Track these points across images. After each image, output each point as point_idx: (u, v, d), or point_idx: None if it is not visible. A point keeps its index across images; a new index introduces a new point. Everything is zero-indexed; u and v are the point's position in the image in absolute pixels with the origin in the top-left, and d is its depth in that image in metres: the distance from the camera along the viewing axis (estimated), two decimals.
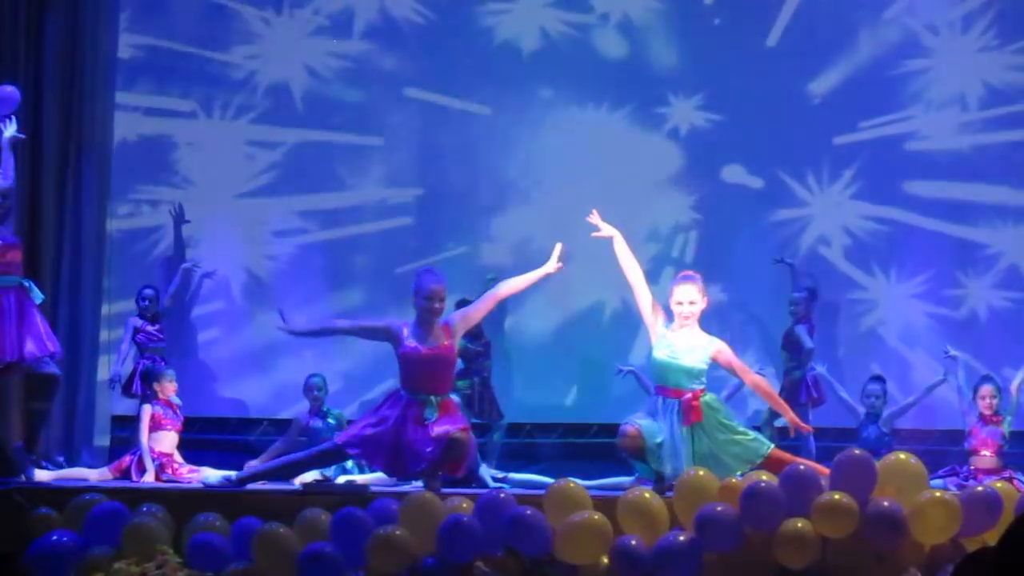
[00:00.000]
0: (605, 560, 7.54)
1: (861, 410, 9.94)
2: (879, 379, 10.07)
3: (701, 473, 8.00)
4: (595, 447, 11.20)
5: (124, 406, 10.78)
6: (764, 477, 7.63)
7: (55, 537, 7.77)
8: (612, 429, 11.03)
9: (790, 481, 7.55)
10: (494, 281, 9.55)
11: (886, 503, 7.38)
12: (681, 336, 8.62)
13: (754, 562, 7.45)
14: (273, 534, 7.62)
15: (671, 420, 8.50)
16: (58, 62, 10.50)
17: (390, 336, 8.86)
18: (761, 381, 8.93)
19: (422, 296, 8.82)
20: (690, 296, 8.62)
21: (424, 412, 8.69)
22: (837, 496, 7.37)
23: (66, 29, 10.54)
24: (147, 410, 9.83)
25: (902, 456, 7.92)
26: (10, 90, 9.68)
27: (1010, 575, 3.15)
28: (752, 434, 8.62)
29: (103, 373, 10.58)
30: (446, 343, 8.83)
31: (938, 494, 7.53)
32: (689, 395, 8.51)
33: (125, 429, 10.84)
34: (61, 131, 10.54)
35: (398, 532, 7.55)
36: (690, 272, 8.93)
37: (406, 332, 8.81)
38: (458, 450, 8.56)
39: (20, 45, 10.37)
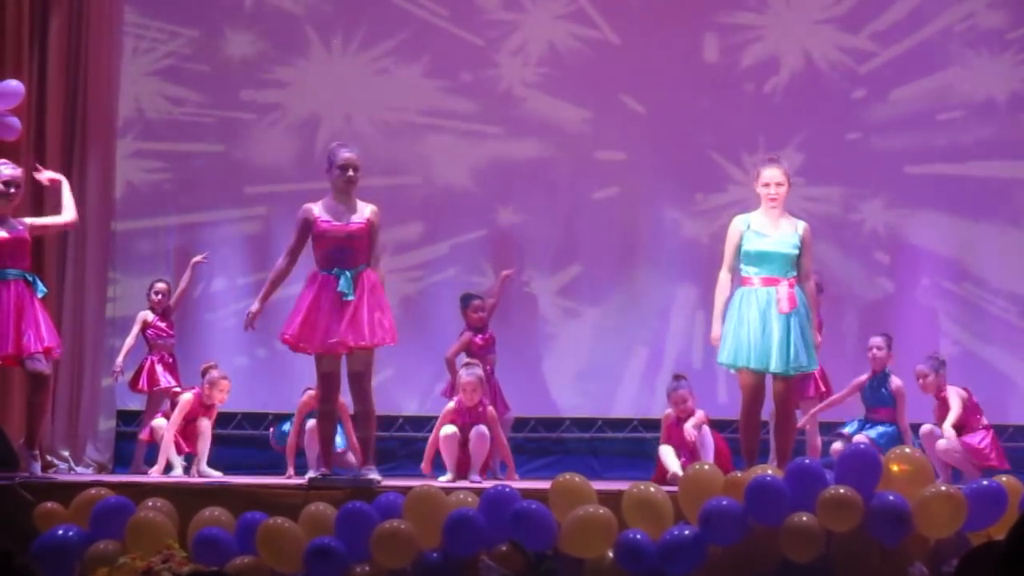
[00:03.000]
0: (610, 554, 7.54)
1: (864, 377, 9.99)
2: (883, 335, 10.08)
3: (706, 467, 8.01)
4: (599, 441, 11.24)
5: (130, 401, 10.80)
6: (769, 471, 7.64)
7: (61, 531, 7.78)
8: (616, 424, 11.15)
9: (795, 475, 7.55)
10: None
11: (891, 497, 7.38)
12: (771, 222, 8.53)
13: (759, 556, 7.45)
14: (278, 528, 7.63)
15: (762, 311, 8.39)
16: (63, 57, 10.51)
17: (308, 225, 8.61)
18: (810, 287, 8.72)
19: (336, 166, 8.64)
20: (776, 178, 8.53)
21: (339, 286, 8.53)
22: (842, 490, 7.37)
23: (70, 23, 10.55)
24: (186, 398, 9.83)
25: (907, 450, 7.94)
26: (14, 85, 9.70)
27: (1019, 570, 3.14)
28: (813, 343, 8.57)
29: (108, 367, 10.58)
30: (363, 223, 8.63)
31: (943, 488, 7.52)
32: (786, 282, 8.48)
33: (130, 424, 10.86)
34: (66, 125, 10.55)
35: (403, 526, 7.56)
36: (774, 155, 8.86)
37: (316, 211, 8.61)
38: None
39: (24, 39, 10.38)
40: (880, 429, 9.70)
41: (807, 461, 7.97)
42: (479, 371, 9.62)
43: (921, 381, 9.67)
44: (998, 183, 11.22)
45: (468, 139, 11.43)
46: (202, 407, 9.82)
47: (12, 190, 9.09)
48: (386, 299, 8.70)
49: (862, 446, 7.89)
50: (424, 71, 11.41)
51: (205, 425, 9.75)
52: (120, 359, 10.28)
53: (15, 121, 9.68)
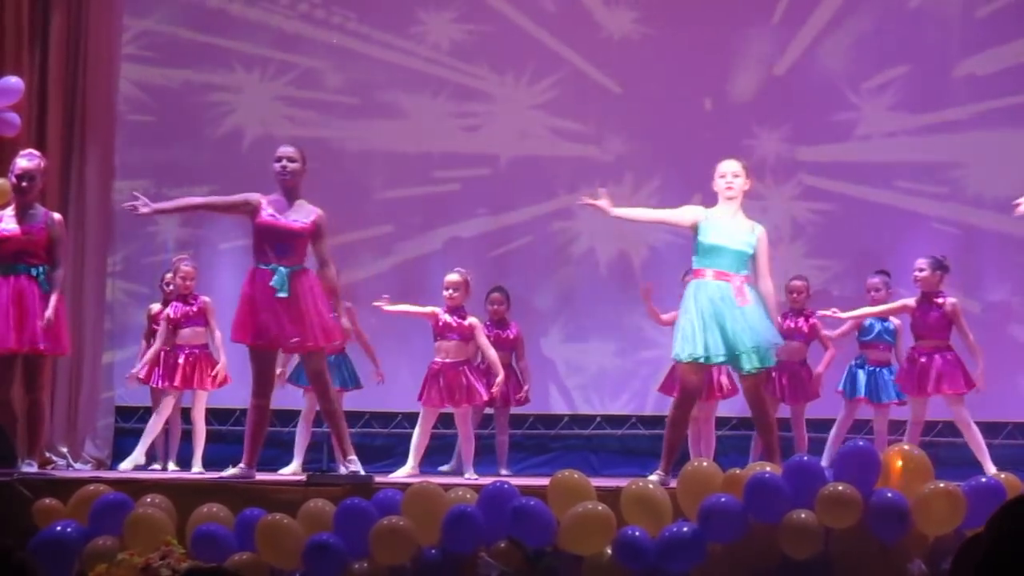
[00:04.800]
0: (609, 551, 7.53)
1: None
2: (881, 272, 10.09)
3: (705, 464, 8.00)
4: (598, 438, 11.25)
5: (128, 397, 10.80)
6: (768, 468, 7.63)
7: (59, 528, 7.77)
8: (615, 421, 11.15)
9: (794, 472, 7.55)
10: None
11: (890, 494, 7.38)
12: (726, 216, 8.58)
13: (758, 553, 7.45)
14: (277, 525, 7.63)
15: (715, 304, 8.42)
16: (63, 53, 10.52)
17: (249, 207, 8.68)
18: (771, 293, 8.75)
19: (273, 159, 8.78)
20: (733, 169, 8.62)
21: (273, 281, 8.57)
22: (841, 487, 7.37)
23: (70, 20, 10.56)
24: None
25: (906, 448, 7.94)
26: (14, 81, 9.71)
27: (1004, 560, 3.14)
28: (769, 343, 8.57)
29: (107, 361, 10.58)
30: (306, 224, 8.68)
31: (942, 485, 7.52)
32: (739, 279, 8.52)
33: (129, 420, 10.87)
34: (66, 121, 10.55)
35: (402, 523, 7.56)
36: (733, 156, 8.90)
37: (265, 203, 8.68)
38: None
39: (25, 36, 10.39)
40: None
41: (805, 458, 7.97)
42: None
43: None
44: None
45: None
46: (182, 308, 9.92)
47: (25, 183, 8.88)
48: (325, 302, 8.71)
49: (861, 443, 7.87)
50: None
51: (199, 418, 9.83)
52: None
53: (15, 118, 9.69)
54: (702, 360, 8.47)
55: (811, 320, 10.14)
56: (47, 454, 10.18)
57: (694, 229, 8.58)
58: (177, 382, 10.08)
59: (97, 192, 10.67)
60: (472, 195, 11.48)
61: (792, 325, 10.02)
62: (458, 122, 11.52)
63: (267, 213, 8.64)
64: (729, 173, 8.61)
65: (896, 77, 11.22)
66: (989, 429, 10.18)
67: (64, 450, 10.37)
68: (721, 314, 8.40)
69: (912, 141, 11.20)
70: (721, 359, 8.49)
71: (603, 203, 8.70)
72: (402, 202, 11.47)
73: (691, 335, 8.41)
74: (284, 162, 8.72)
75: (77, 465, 10.34)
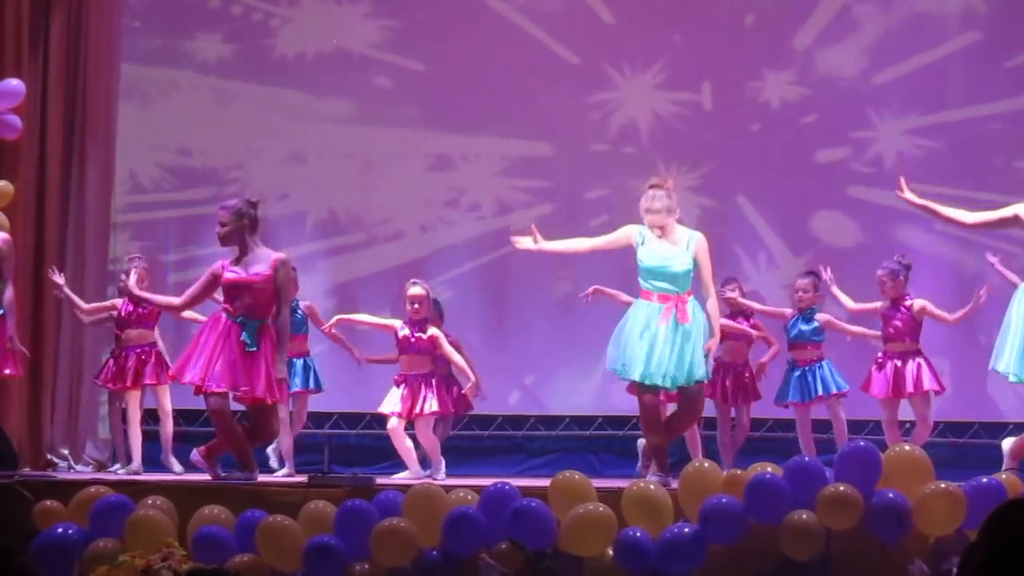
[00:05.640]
0: (609, 552, 7.53)
1: (788, 311, 10.05)
2: (810, 273, 10.03)
3: (706, 465, 8.00)
4: (598, 439, 11.24)
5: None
6: (769, 468, 7.63)
7: (60, 530, 7.77)
8: (616, 422, 11.15)
9: (795, 473, 7.55)
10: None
11: (891, 495, 7.37)
12: (663, 243, 8.51)
13: (759, 554, 7.45)
14: (278, 526, 7.63)
15: (659, 324, 8.39)
16: (63, 56, 10.52)
17: (215, 278, 8.76)
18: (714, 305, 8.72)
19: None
20: (663, 204, 8.49)
21: (242, 336, 8.61)
22: (842, 488, 7.37)
23: (70, 23, 10.56)
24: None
25: (907, 448, 7.94)
26: (15, 84, 9.72)
27: (1000, 565, 3.14)
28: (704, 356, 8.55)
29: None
30: (267, 273, 8.71)
31: (943, 486, 7.52)
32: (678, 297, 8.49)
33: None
34: (66, 124, 10.56)
35: (403, 524, 7.56)
36: (656, 179, 8.77)
37: (226, 263, 8.77)
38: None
39: (25, 39, 10.39)
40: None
41: (807, 459, 7.96)
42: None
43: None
44: None
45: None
46: (131, 307, 9.85)
47: None
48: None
49: (862, 443, 7.86)
50: None
51: (164, 404, 9.82)
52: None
53: (16, 120, 9.69)
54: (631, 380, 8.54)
55: (752, 320, 10.12)
56: (48, 456, 10.19)
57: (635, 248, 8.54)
58: (130, 383, 9.92)
59: (98, 193, 10.67)
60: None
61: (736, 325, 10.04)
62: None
63: (230, 269, 8.74)
64: (656, 209, 8.50)
65: None
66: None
67: (65, 452, 10.37)
68: (658, 335, 8.42)
69: None
70: (659, 382, 8.49)
71: (526, 241, 8.60)
72: None
73: (634, 354, 8.43)
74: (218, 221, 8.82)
75: (78, 467, 10.34)
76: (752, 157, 11.28)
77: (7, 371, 9.25)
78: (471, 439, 11.02)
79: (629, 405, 11.13)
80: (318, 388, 10.07)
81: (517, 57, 11.43)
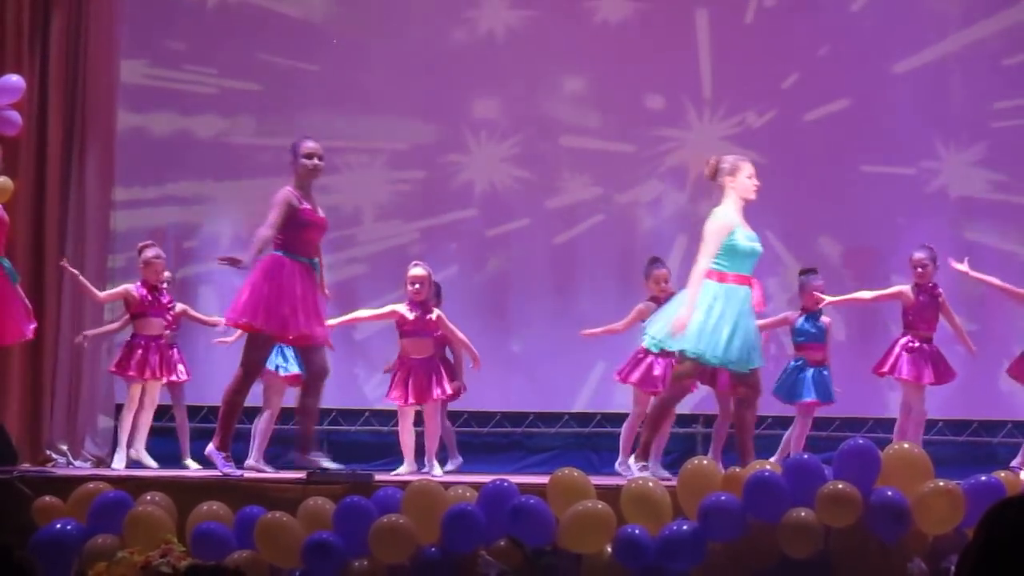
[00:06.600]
0: (608, 549, 7.53)
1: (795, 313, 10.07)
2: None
3: (705, 462, 8.00)
4: (597, 436, 11.25)
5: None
6: (768, 466, 7.63)
7: (59, 526, 7.77)
8: (615, 419, 11.14)
9: (794, 471, 7.55)
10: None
11: (890, 493, 7.37)
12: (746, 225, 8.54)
13: (758, 552, 7.44)
14: (277, 523, 7.62)
15: (739, 308, 8.42)
16: (63, 52, 10.52)
17: (292, 210, 8.61)
18: None
19: (302, 156, 8.74)
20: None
21: (318, 276, 8.71)
22: (841, 486, 7.37)
23: (70, 19, 10.56)
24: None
25: (906, 446, 7.93)
26: (15, 79, 9.71)
27: (996, 560, 3.14)
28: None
29: (106, 360, 10.57)
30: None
31: (941, 484, 7.52)
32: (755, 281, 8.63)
33: None
34: (66, 119, 10.56)
35: (401, 521, 7.55)
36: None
37: (295, 198, 8.65)
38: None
39: (25, 35, 10.39)
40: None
41: (805, 456, 7.97)
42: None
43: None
44: None
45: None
46: (147, 296, 9.88)
47: None
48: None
49: (861, 441, 7.86)
50: None
51: (149, 402, 9.90)
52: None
53: (15, 116, 9.68)
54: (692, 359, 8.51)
55: None
56: (47, 452, 10.19)
57: (730, 234, 8.48)
58: (158, 373, 10.03)
59: (97, 190, 10.66)
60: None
61: None
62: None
63: (305, 208, 8.66)
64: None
65: None
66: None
67: (64, 448, 10.36)
68: (742, 317, 8.45)
69: None
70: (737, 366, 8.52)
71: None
72: None
73: (718, 336, 8.40)
74: (316, 160, 8.74)
75: (77, 463, 10.34)
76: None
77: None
78: (470, 435, 11.01)
79: (627, 402, 11.19)
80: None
81: None
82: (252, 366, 8.74)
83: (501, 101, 11.55)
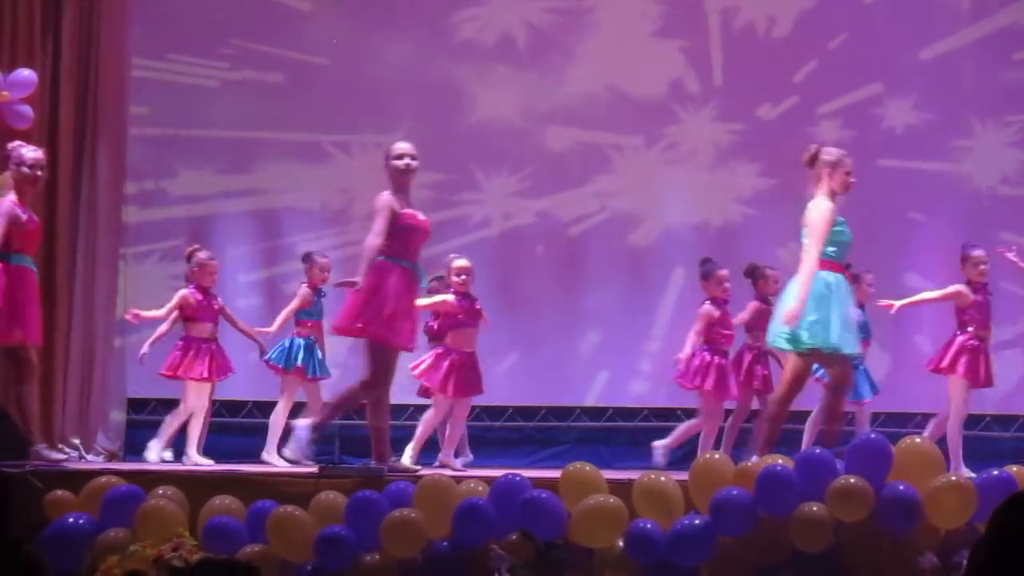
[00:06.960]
0: (619, 544, 7.53)
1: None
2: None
3: (716, 457, 7.99)
4: (609, 431, 11.24)
5: (140, 389, 10.81)
6: (780, 460, 7.62)
7: (71, 520, 7.79)
8: (627, 413, 11.15)
9: (805, 465, 7.54)
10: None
11: (901, 487, 7.36)
12: None
13: (768, 546, 7.44)
14: (288, 517, 7.64)
15: (843, 297, 8.33)
16: (75, 46, 10.53)
17: (394, 215, 8.49)
18: None
19: (393, 157, 8.64)
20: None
21: (422, 283, 8.71)
22: (852, 480, 7.36)
23: (82, 13, 10.57)
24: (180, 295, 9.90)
25: (918, 440, 7.92)
26: (27, 74, 9.74)
27: (1007, 554, 3.14)
28: None
29: (118, 354, 10.59)
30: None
31: (953, 478, 7.51)
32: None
33: (140, 412, 10.88)
34: (78, 114, 10.57)
35: (413, 515, 7.56)
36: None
37: (395, 200, 8.54)
38: None
39: (37, 29, 10.40)
40: None
41: (817, 451, 7.95)
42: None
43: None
44: None
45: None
46: (202, 300, 9.85)
47: (39, 172, 9.12)
48: None
49: (872, 436, 7.85)
50: None
51: (201, 407, 9.81)
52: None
53: (27, 110, 9.71)
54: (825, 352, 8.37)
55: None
56: (59, 445, 10.20)
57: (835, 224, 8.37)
58: (209, 375, 9.98)
59: (109, 183, 10.68)
60: None
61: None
62: None
63: (406, 211, 8.56)
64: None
65: None
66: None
67: (76, 441, 10.38)
68: (847, 306, 8.39)
69: None
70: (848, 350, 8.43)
71: None
72: None
73: (832, 326, 8.27)
74: (408, 160, 8.65)
75: (89, 457, 10.35)
76: None
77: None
78: (482, 430, 11.00)
79: (640, 397, 11.20)
80: (325, 374, 10.11)
81: None
82: (377, 376, 8.64)
83: (510, 95, 11.53)
